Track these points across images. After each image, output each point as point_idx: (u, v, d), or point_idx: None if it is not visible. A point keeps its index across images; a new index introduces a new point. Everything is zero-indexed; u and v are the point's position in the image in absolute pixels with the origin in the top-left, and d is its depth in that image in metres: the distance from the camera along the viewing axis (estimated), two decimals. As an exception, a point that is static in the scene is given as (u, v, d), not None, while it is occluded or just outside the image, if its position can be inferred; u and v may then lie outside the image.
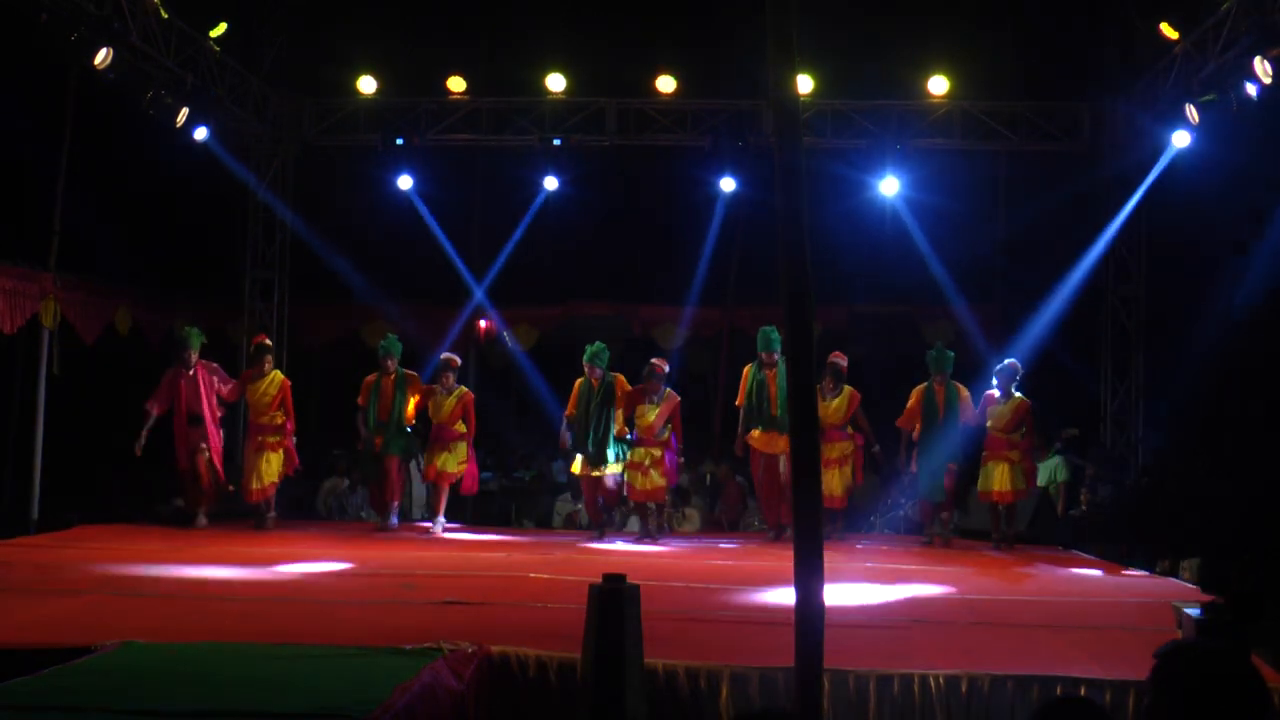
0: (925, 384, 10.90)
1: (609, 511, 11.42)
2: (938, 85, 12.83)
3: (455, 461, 11.14)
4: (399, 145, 13.13)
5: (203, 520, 10.95)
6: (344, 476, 13.37)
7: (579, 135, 13.17)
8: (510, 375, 15.45)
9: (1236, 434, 11.95)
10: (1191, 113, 10.79)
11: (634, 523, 11.61)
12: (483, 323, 15.19)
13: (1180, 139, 11.42)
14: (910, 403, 10.93)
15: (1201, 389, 12.07)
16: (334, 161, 14.02)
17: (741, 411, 10.90)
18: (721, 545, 10.84)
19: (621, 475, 10.85)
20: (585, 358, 10.87)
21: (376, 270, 13.92)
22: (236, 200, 13.67)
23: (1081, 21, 12.62)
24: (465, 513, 12.47)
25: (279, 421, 11.02)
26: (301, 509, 12.87)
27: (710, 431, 14.28)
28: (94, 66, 9.88)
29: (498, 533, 11.75)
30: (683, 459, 11.68)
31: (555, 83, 13.19)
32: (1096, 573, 9.59)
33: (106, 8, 9.80)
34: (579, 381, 10.95)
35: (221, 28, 11.83)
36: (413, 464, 11.66)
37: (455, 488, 11.39)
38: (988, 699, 5.12)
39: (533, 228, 14.14)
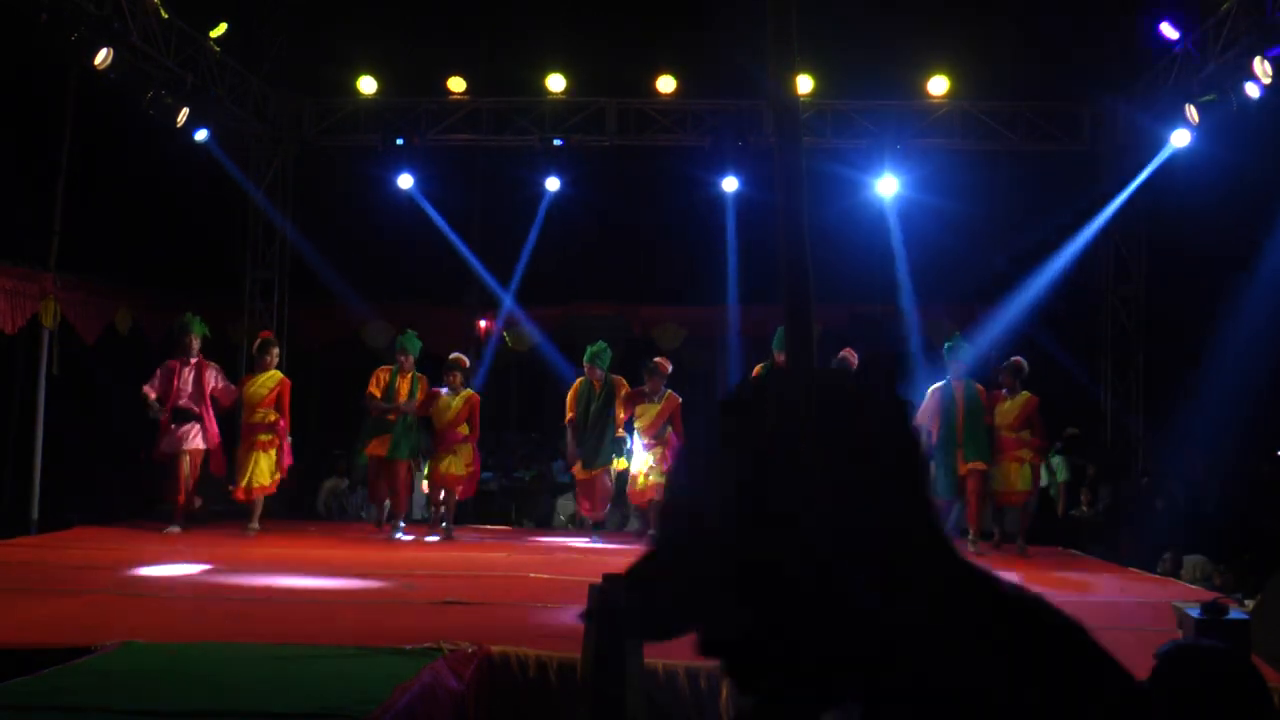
0: (943, 382, 10.71)
1: (605, 511, 11.36)
2: (938, 85, 12.84)
3: (461, 464, 10.89)
4: (399, 145, 13.13)
5: (174, 528, 10.47)
6: (344, 477, 13.37)
7: (579, 135, 13.17)
8: (511, 374, 15.45)
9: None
10: (1191, 113, 10.79)
11: (634, 523, 11.62)
12: (482, 323, 15.18)
13: (1180, 138, 11.41)
14: (927, 401, 10.67)
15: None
16: (334, 161, 14.02)
17: None
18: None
19: (619, 474, 10.81)
20: (586, 358, 10.84)
21: (377, 271, 13.92)
22: (236, 200, 13.67)
23: (1081, 21, 12.61)
24: (466, 513, 12.47)
25: (271, 419, 10.73)
26: (301, 509, 12.87)
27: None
28: (94, 66, 9.88)
29: (497, 534, 11.75)
30: None
31: (555, 83, 13.19)
32: (1096, 573, 9.59)
33: (106, 8, 9.80)
34: (577, 382, 10.92)
35: (221, 28, 11.82)
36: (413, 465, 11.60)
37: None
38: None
39: (532, 228, 14.13)
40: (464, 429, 10.93)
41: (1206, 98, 10.49)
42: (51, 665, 4.80)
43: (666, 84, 13.03)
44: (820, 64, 12.46)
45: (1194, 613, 5.43)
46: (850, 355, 10.72)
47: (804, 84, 12.15)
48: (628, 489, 10.89)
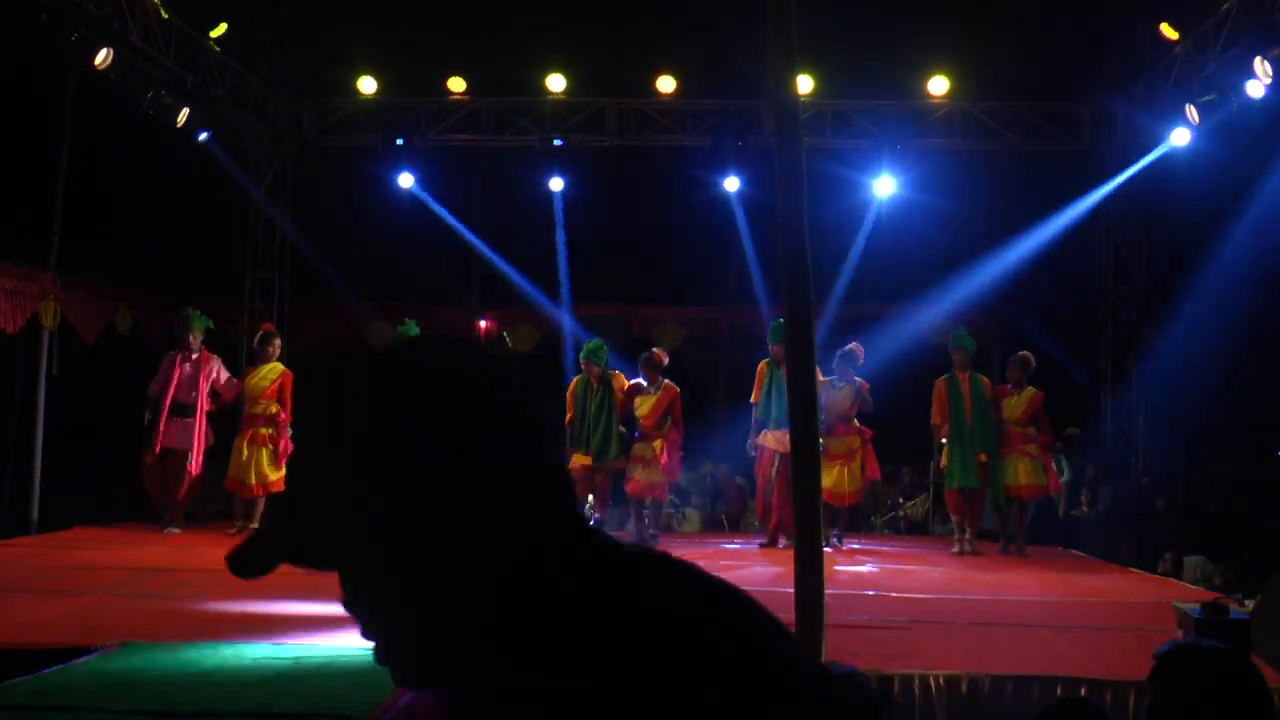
0: (948, 374, 10.63)
1: (604, 507, 11.32)
2: (938, 85, 12.83)
3: None
4: (399, 145, 13.13)
5: (174, 528, 10.47)
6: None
7: (579, 135, 13.17)
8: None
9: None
10: (1191, 113, 10.79)
11: (633, 524, 11.60)
12: (483, 323, 15.19)
13: (1179, 137, 11.41)
14: (935, 393, 10.58)
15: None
16: (334, 161, 14.01)
17: (756, 410, 10.58)
18: (722, 545, 10.83)
19: (617, 470, 10.77)
20: (583, 354, 10.82)
21: (376, 271, 13.91)
22: (237, 200, 13.67)
23: (1081, 21, 12.61)
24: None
25: (273, 411, 10.70)
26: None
27: (710, 432, 14.28)
28: (94, 66, 9.88)
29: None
30: (684, 453, 11.41)
31: (555, 83, 13.19)
32: (1096, 573, 9.59)
33: (106, 8, 9.80)
34: (575, 381, 10.91)
35: (221, 28, 11.82)
36: None
37: None
38: (988, 699, 5.12)
39: (532, 228, 14.13)
40: None
41: (1206, 98, 10.50)
42: (51, 665, 4.81)
43: (666, 84, 13.02)
44: (820, 64, 12.45)
45: (1194, 613, 5.43)
46: (857, 349, 10.67)
47: (804, 84, 12.15)
48: (625, 482, 10.86)
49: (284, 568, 1.19)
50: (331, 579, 1.20)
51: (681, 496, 12.55)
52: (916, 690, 5.13)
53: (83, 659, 4.93)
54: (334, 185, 14.19)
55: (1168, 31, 11.14)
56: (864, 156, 12.99)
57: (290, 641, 5.47)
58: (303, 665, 4.88)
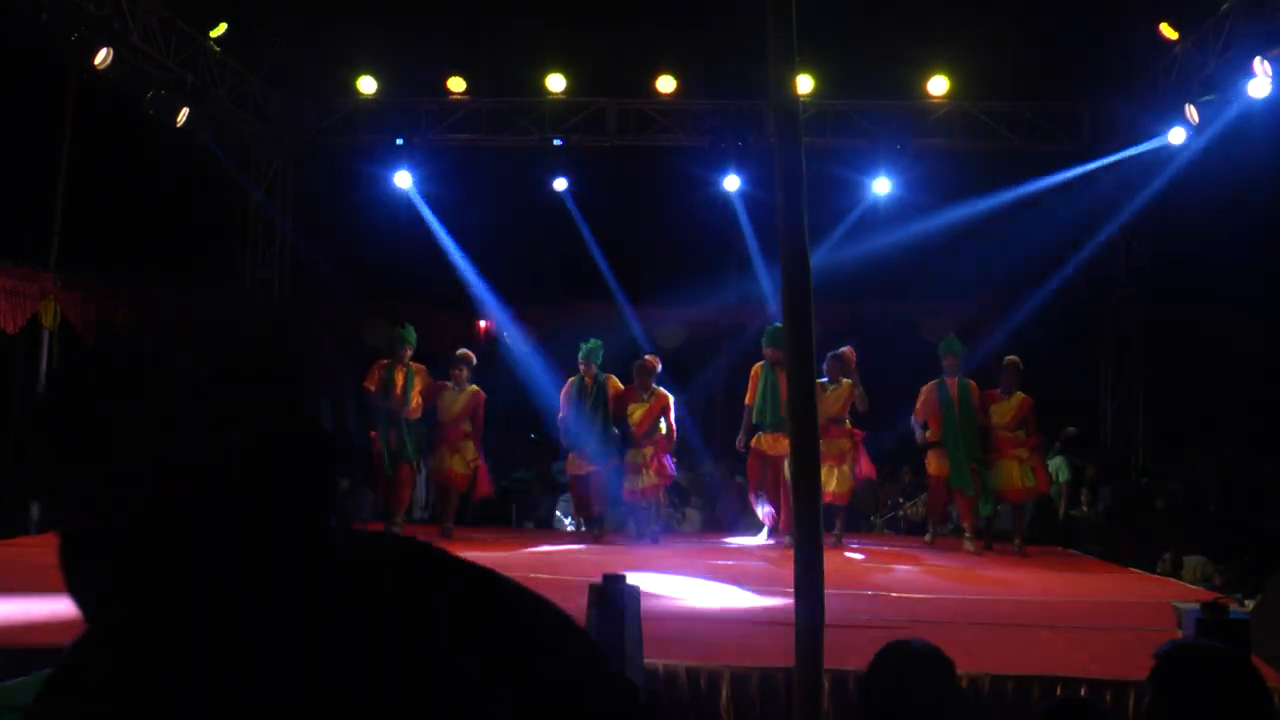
0: (937, 380, 10.70)
1: (602, 509, 11.33)
2: (938, 85, 12.84)
3: (463, 462, 10.86)
4: (399, 145, 13.13)
5: None
6: (344, 477, 13.35)
7: (579, 135, 13.17)
8: (512, 374, 15.43)
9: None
10: (1191, 113, 10.79)
11: (632, 523, 11.60)
12: (483, 323, 15.18)
13: (1176, 136, 11.41)
14: (922, 397, 10.69)
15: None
16: (334, 161, 14.02)
17: (750, 411, 10.64)
18: (721, 545, 10.83)
19: (615, 470, 10.79)
20: (581, 354, 10.85)
21: (376, 270, 13.92)
22: (236, 200, 13.67)
23: (1081, 21, 12.61)
24: (466, 514, 12.46)
25: None
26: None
27: (710, 432, 14.28)
28: (94, 66, 9.89)
29: (497, 534, 11.75)
30: (674, 455, 11.29)
31: (555, 83, 13.19)
32: (1096, 573, 9.59)
33: (106, 8, 9.81)
34: (570, 381, 10.94)
35: (221, 28, 11.83)
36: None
37: (469, 493, 11.26)
38: (988, 699, 5.12)
39: (533, 228, 14.13)
40: (467, 425, 10.88)
41: (1206, 98, 10.50)
42: (51, 665, 4.80)
43: (666, 84, 13.03)
44: (820, 64, 12.46)
45: (1194, 613, 5.43)
46: (849, 352, 10.70)
47: (804, 84, 12.16)
48: (623, 487, 10.89)
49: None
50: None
51: (681, 496, 12.55)
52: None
53: (83, 659, 4.93)
54: (334, 185, 14.20)
55: (1168, 31, 11.14)
56: (863, 156, 13.00)
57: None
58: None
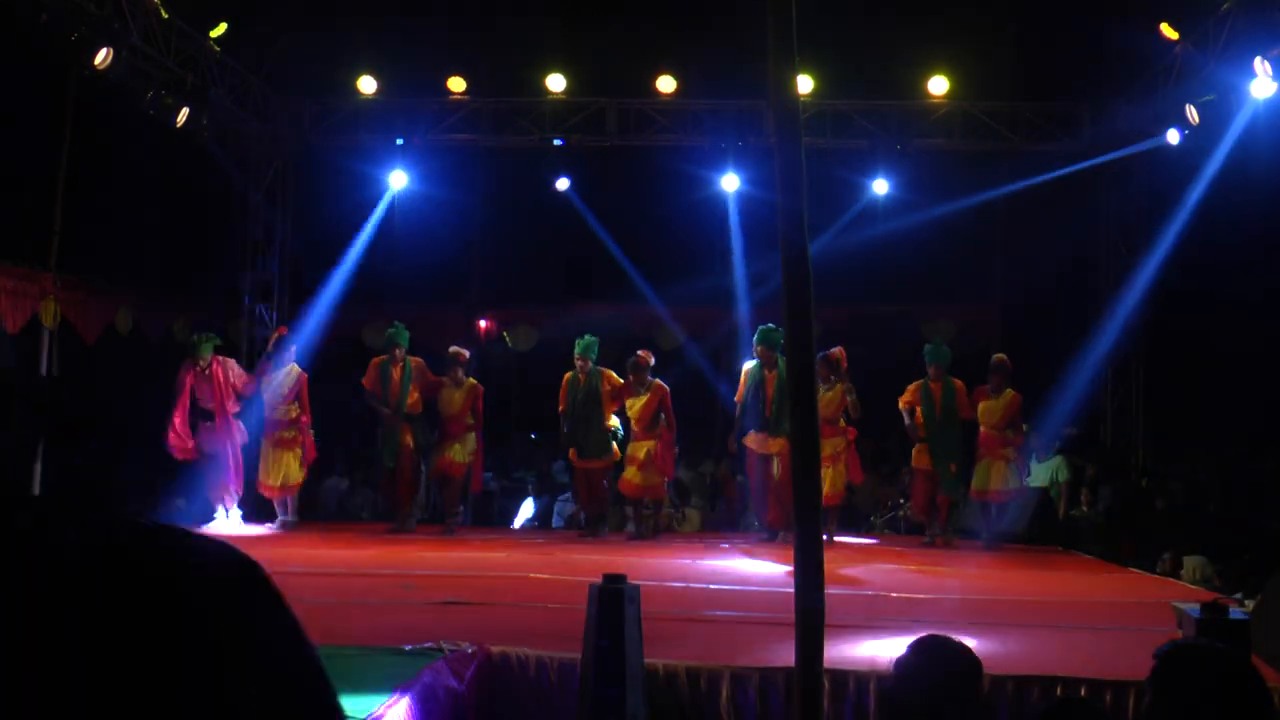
0: (922, 380, 10.82)
1: (603, 507, 11.31)
2: (938, 85, 12.83)
3: (464, 452, 10.97)
4: (399, 145, 13.12)
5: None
6: (344, 477, 13.34)
7: (579, 135, 13.17)
8: (512, 374, 15.45)
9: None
10: (1191, 113, 10.78)
11: (632, 524, 11.59)
12: (482, 323, 15.18)
13: (1174, 137, 11.41)
14: (906, 395, 10.83)
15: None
16: (334, 161, 14.01)
17: (738, 409, 10.70)
18: (721, 545, 10.83)
19: (614, 466, 10.81)
20: (577, 350, 10.87)
21: (376, 270, 13.90)
22: (236, 200, 13.66)
23: (1081, 22, 12.61)
24: (466, 514, 12.46)
25: (294, 415, 11.01)
26: (301, 509, 12.84)
27: (710, 431, 14.28)
28: (94, 66, 9.87)
29: (497, 534, 11.75)
30: (677, 450, 11.41)
31: (555, 83, 13.19)
32: (1096, 573, 9.59)
33: (106, 8, 9.80)
34: (567, 376, 10.96)
35: (221, 28, 11.81)
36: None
37: (465, 486, 11.34)
38: (988, 699, 5.11)
39: (533, 228, 14.13)
40: (469, 419, 11.02)
41: (1206, 98, 10.49)
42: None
43: (666, 84, 13.02)
44: (820, 64, 12.45)
45: (1194, 613, 5.43)
46: (839, 353, 10.72)
47: (804, 84, 12.15)
48: (621, 482, 10.88)
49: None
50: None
51: (681, 496, 12.55)
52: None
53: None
54: (334, 185, 14.19)
55: (1168, 31, 11.14)
56: (863, 157, 13.00)
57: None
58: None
